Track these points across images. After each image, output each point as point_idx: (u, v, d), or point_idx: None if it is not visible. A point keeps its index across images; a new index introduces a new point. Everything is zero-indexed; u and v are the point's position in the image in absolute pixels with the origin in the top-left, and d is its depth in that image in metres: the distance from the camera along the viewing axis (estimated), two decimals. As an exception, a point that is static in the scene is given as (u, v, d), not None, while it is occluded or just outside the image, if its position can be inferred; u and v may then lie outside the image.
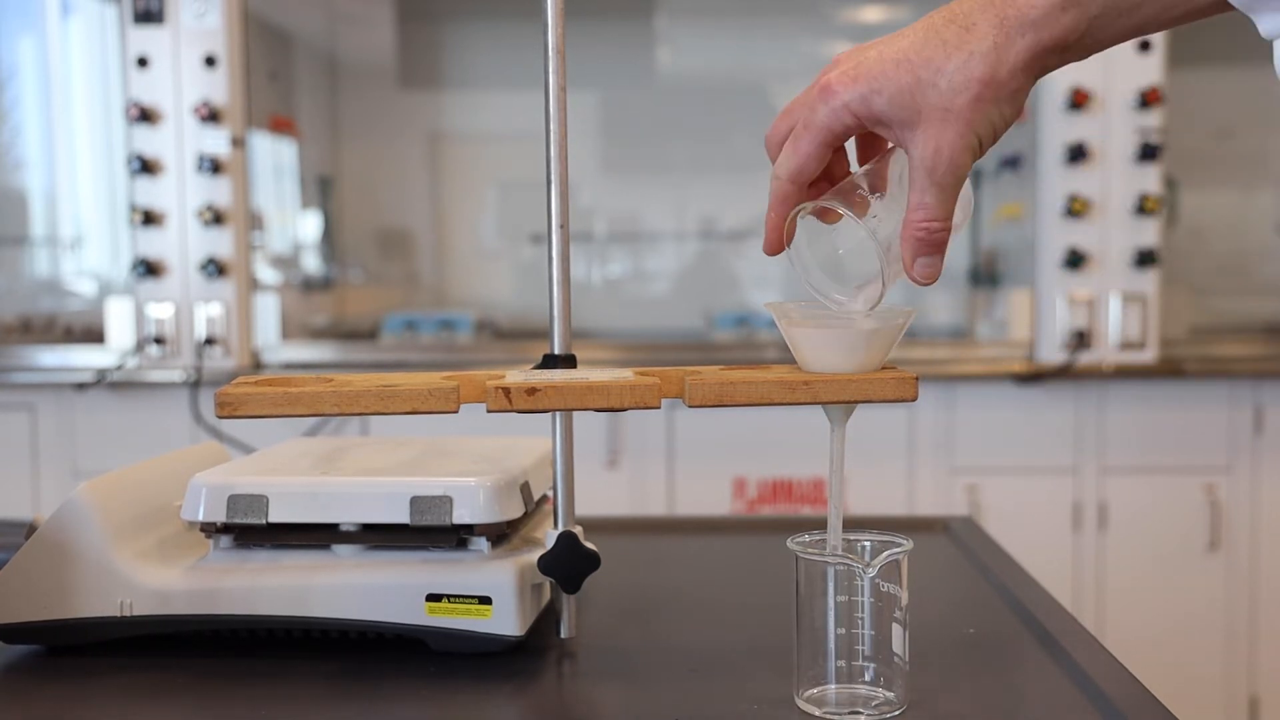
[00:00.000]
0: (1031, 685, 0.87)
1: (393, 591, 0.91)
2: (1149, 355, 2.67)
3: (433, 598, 0.90)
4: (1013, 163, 2.93)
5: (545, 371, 0.84)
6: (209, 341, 2.75)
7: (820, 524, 0.82)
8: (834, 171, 0.79)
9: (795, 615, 0.81)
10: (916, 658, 0.82)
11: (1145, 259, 2.64)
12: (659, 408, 0.83)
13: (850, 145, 0.80)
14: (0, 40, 3.37)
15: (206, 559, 0.95)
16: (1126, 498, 2.69)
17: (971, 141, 0.73)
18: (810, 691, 0.81)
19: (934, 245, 0.75)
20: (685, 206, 3.62)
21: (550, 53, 0.89)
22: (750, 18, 3.55)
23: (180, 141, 2.74)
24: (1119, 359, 2.67)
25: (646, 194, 3.69)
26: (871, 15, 3.60)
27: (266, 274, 3.08)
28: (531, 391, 0.79)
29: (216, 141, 2.74)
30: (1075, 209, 2.64)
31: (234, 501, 0.93)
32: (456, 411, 0.81)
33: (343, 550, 0.94)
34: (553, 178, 0.90)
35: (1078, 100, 2.63)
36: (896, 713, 0.79)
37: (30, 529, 0.95)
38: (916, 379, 0.81)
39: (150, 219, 2.73)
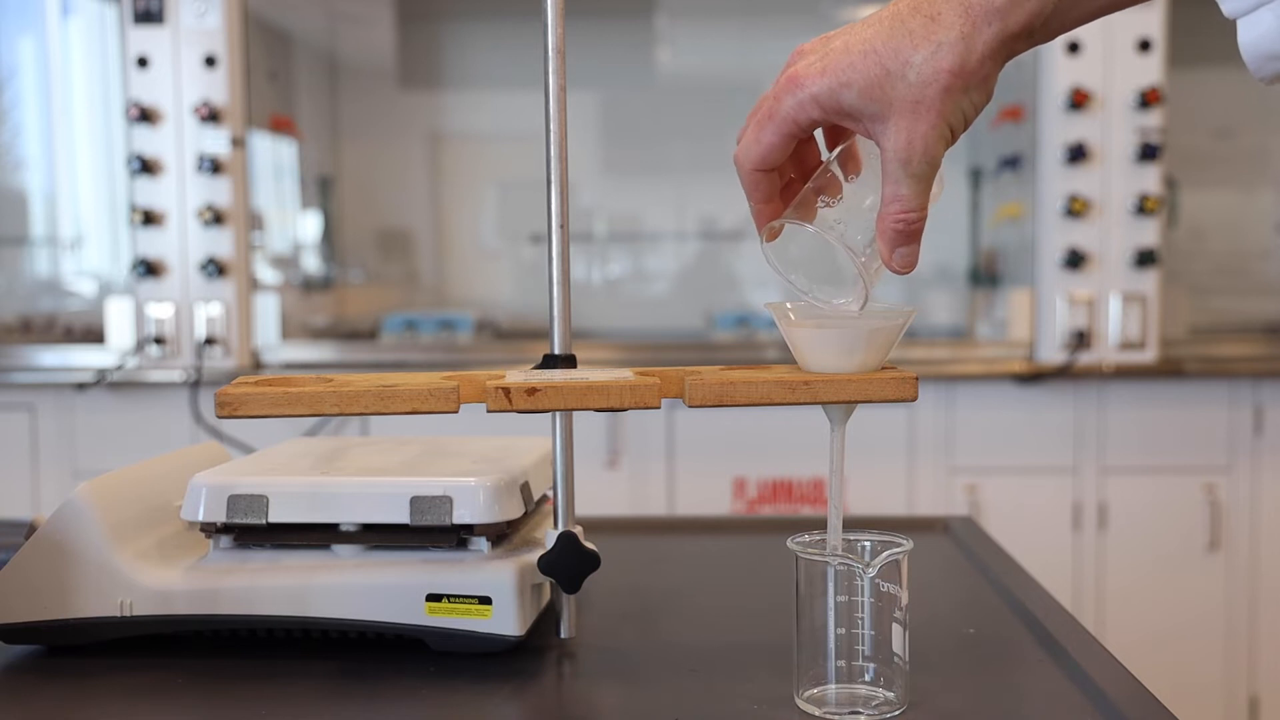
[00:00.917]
0: (1031, 685, 0.87)
1: (393, 591, 0.91)
2: (1149, 355, 2.67)
3: (433, 598, 0.90)
4: (1013, 163, 2.93)
5: (545, 371, 0.84)
6: (209, 341, 2.75)
7: (820, 524, 0.82)
8: (803, 155, 0.79)
9: (795, 615, 0.81)
10: (916, 658, 0.82)
11: (1145, 259, 2.64)
12: (659, 408, 0.83)
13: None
14: (0, 40, 3.37)
15: (206, 559, 0.95)
16: (1126, 498, 2.69)
17: (944, 131, 0.73)
18: (810, 691, 0.81)
19: (911, 235, 0.75)
20: (685, 206, 3.62)
21: (550, 53, 0.89)
22: (750, 18, 3.55)
23: (180, 141, 2.74)
24: (1119, 359, 2.67)
25: (646, 194, 3.69)
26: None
27: (266, 274, 3.08)
28: (531, 391, 0.79)
29: (216, 141, 2.74)
30: (1075, 209, 2.64)
31: (234, 501, 0.93)
32: (456, 411, 0.81)
33: (343, 550, 0.94)
34: (553, 178, 0.90)
35: (1078, 100, 2.63)
36: (896, 713, 0.79)
37: (30, 529, 0.95)
38: (916, 379, 0.81)
39: (150, 219, 2.74)
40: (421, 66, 3.65)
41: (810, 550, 0.80)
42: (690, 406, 0.80)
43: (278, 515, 0.93)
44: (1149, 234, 2.66)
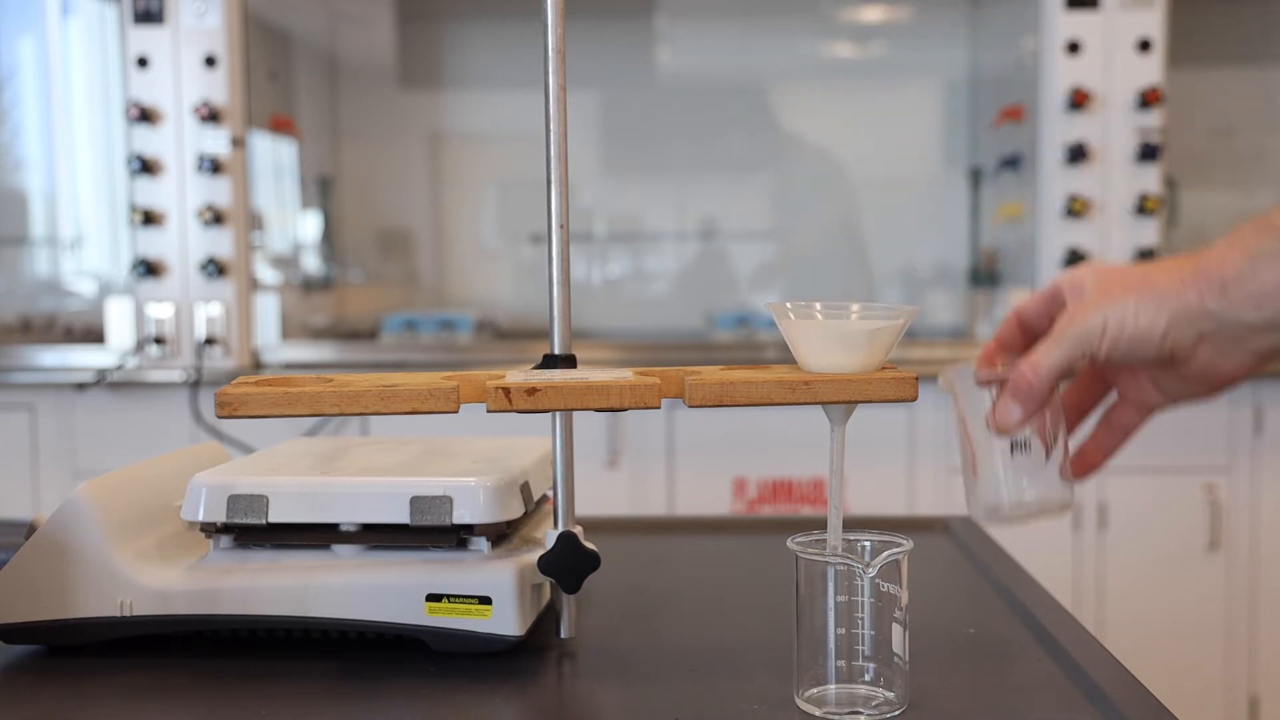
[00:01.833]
0: (1031, 685, 0.87)
1: (393, 591, 0.91)
2: (1149, 355, 2.67)
3: (433, 598, 0.90)
4: (1013, 163, 2.93)
5: (545, 371, 0.84)
6: (209, 341, 2.75)
7: (820, 524, 0.82)
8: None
9: (795, 615, 0.81)
10: (916, 658, 0.82)
11: (1145, 259, 2.64)
12: (659, 408, 0.83)
13: None
14: (0, 40, 3.37)
15: (206, 559, 0.95)
16: (1126, 498, 2.69)
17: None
18: (810, 691, 0.81)
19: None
20: (685, 206, 3.62)
21: (550, 53, 0.89)
22: (750, 18, 3.55)
23: (180, 141, 2.74)
24: (1119, 359, 2.67)
25: (646, 194, 3.69)
26: (871, 15, 3.60)
27: (266, 274, 3.08)
28: (531, 391, 0.79)
29: (216, 141, 2.74)
30: (1075, 209, 2.64)
31: (234, 501, 0.93)
32: (456, 411, 0.81)
33: (343, 550, 0.94)
34: (553, 178, 0.90)
35: (1078, 100, 2.63)
36: (896, 713, 0.79)
37: (30, 529, 0.95)
38: (916, 379, 0.81)
39: (150, 219, 2.73)
40: (421, 66, 3.65)
41: (810, 550, 0.80)
42: (690, 406, 0.80)
43: (278, 515, 0.93)
44: (1149, 234, 2.66)
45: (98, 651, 0.93)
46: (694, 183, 3.63)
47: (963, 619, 1.03)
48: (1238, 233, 0.75)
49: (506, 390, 0.79)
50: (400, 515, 0.92)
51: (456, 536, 0.92)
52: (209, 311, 2.75)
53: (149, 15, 2.72)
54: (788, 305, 0.81)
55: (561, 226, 0.90)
